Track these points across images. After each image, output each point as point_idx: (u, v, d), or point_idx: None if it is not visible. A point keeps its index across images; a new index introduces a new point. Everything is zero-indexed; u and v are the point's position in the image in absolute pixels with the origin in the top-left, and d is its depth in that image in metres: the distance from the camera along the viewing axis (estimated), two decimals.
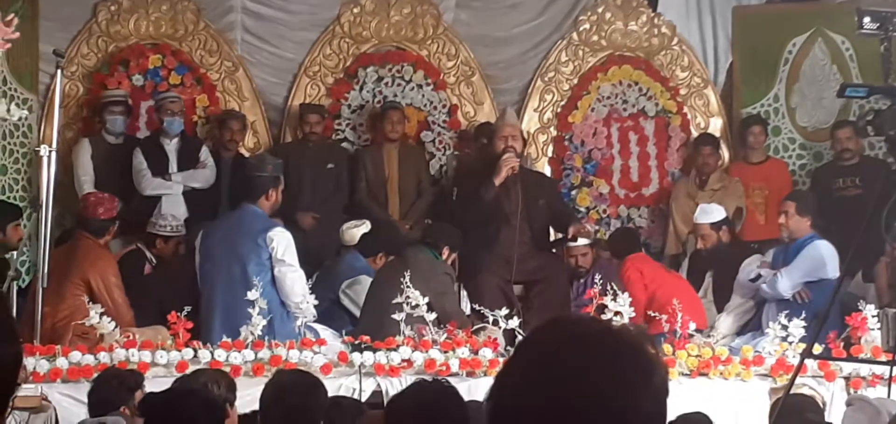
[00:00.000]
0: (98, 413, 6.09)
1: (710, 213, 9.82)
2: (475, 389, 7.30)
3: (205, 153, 10.40)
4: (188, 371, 7.20)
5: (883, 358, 7.69)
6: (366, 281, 9.04)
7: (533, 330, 2.11)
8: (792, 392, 6.67)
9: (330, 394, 5.90)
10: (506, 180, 9.45)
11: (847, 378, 8.16)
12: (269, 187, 8.75)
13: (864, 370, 8.09)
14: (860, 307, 8.29)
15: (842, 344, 8.16)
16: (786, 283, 8.91)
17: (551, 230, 10.25)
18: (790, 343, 8.21)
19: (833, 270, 8.76)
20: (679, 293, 9.01)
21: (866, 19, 6.62)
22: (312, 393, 5.42)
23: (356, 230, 9.77)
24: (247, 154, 10.66)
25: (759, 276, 9.11)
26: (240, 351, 7.91)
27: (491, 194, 9.41)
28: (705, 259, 9.86)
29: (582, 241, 9.96)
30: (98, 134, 10.42)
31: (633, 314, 8.46)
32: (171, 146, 10.24)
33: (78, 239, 8.81)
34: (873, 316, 8.17)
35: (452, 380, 7.57)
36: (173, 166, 10.17)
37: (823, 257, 8.92)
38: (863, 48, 10.87)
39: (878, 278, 9.38)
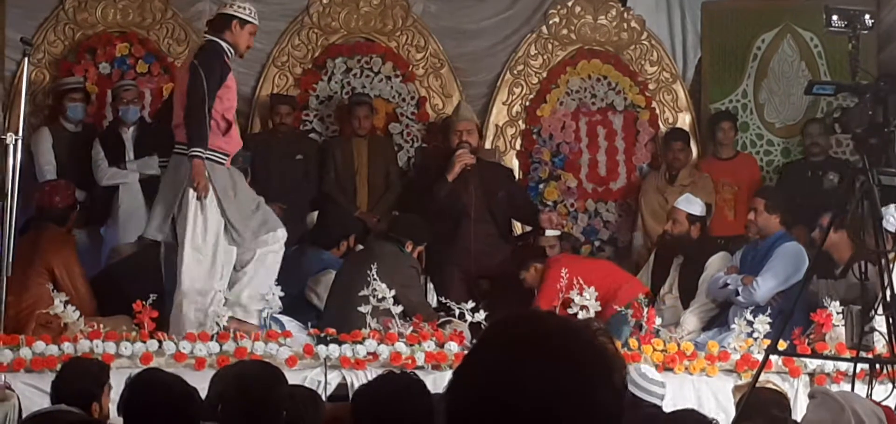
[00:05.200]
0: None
1: (692, 204, 9.78)
2: (441, 382, 7.27)
3: None
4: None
5: (847, 355, 7.71)
6: (332, 276, 9.00)
7: (491, 326, 2.10)
8: (759, 386, 6.67)
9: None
10: (462, 173, 9.45)
11: (811, 375, 8.19)
12: None
13: (829, 366, 8.12)
14: (825, 304, 8.30)
15: (807, 341, 8.18)
16: (763, 292, 8.81)
17: (518, 225, 10.26)
18: (755, 340, 8.23)
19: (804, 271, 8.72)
20: (601, 274, 9.01)
21: (834, 17, 6.64)
22: (276, 386, 5.37)
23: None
24: None
25: (726, 284, 9.03)
26: (205, 343, 7.87)
27: (444, 190, 9.43)
28: (670, 245, 9.73)
29: (552, 232, 9.94)
30: (58, 122, 10.26)
31: (600, 309, 8.47)
32: (128, 135, 10.08)
33: (41, 228, 8.74)
34: (838, 313, 8.20)
35: (418, 374, 7.61)
36: (130, 155, 10.03)
37: (796, 262, 8.84)
38: (831, 45, 10.91)
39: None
